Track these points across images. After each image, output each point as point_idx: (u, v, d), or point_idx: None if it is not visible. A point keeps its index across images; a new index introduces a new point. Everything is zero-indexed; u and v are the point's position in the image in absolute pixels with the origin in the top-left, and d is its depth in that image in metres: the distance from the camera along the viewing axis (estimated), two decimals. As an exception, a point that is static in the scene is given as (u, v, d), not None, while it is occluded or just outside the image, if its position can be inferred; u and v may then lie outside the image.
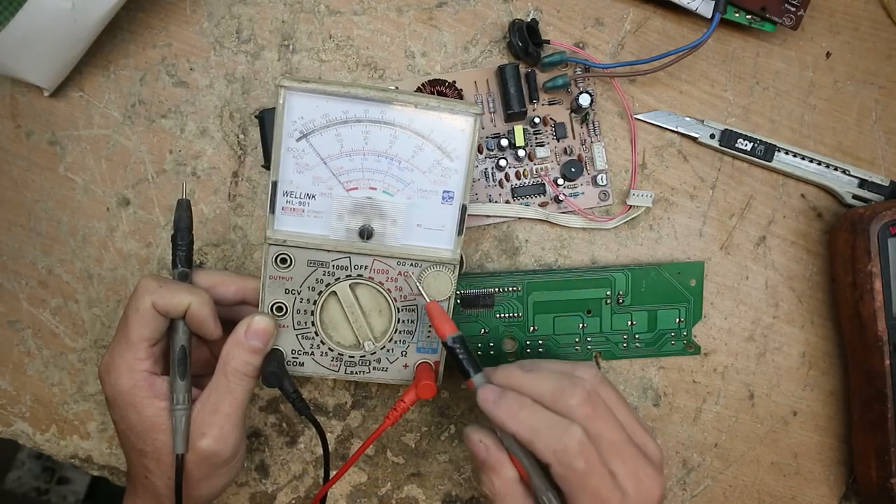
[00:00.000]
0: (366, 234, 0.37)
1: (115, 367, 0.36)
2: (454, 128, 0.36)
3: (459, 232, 0.38)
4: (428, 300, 0.37)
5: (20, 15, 0.39)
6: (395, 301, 0.39)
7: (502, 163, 0.44)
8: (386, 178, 0.37)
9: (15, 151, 0.46)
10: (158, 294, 0.35)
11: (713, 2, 0.42)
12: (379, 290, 0.39)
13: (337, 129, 0.36)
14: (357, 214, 0.37)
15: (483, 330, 0.44)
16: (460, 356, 0.36)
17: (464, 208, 0.38)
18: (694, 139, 0.46)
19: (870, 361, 0.42)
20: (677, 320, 0.45)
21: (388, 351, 0.40)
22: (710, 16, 0.43)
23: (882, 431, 0.42)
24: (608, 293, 0.44)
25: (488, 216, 0.45)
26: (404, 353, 0.40)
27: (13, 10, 0.39)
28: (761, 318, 0.46)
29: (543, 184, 0.45)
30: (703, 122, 0.45)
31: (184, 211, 0.38)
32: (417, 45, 0.45)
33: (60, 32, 0.40)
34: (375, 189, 0.37)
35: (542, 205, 0.45)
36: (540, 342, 0.45)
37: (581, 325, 0.45)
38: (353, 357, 0.40)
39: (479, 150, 0.45)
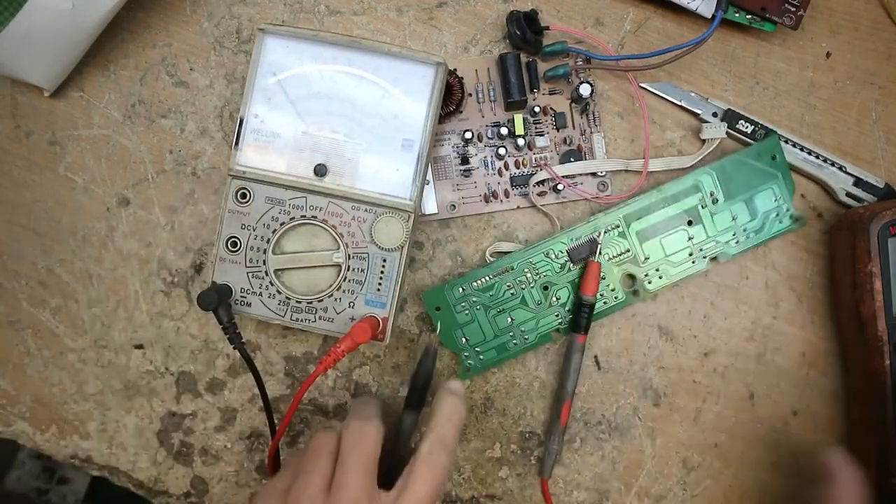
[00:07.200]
0: (321, 171, 0.38)
1: None
2: (417, 76, 0.38)
3: (416, 180, 0.38)
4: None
5: (20, 15, 0.39)
6: (347, 247, 0.39)
7: (501, 151, 0.44)
8: (349, 122, 0.38)
9: (15, 151, 0.46)
10: None
11: (713, 1, 0.42)
12: (332, 234, 0.39)
13: (307, 71, 0.38)
14: (317, 153, 0.39)
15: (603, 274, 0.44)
16: (584, 316, 0.43)
17: (423, 157, 0.38)
18: (696, 135, 0.46)
19: (870, 361, 0.42)
20: (774, 199, 0.45)
21: (335, 300, 0.40)
22: (709, 16, 0.43)
23: (882, 431, 0.42)
24: (701, 197, 0.44)
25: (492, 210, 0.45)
26: (352, 304, 0.40)
27: (13, 10, 0.39)
28: (761, 318, 0.46)
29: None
30: (707, 99, 0.45)
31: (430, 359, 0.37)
32: (417, 45, 0.45)
33: (60, 33, 0.40)
34: (338, 132, 0.38)
35: (541, 194, 0.45)
36: (657, 269, 0.44)
37: (688, 238, 0.44)
38: (300, 303, 0.40)
39: (479, 139, 0.45)
